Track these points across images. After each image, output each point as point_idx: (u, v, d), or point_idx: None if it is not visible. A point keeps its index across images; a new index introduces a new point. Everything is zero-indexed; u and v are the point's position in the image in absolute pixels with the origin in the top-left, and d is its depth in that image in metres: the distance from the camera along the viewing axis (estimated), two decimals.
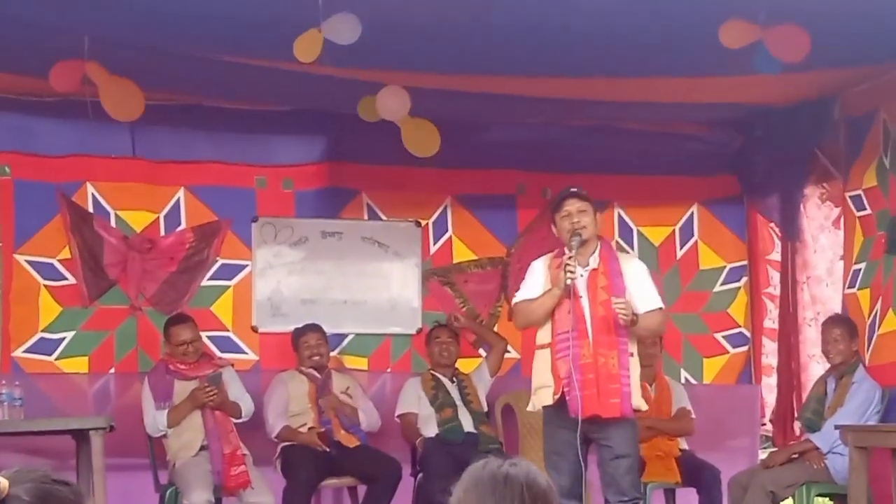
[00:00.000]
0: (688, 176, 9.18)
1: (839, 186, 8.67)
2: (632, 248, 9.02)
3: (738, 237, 9.28)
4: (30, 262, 8.07)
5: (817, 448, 7.56)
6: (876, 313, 7.98)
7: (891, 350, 7.77)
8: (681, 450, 8.10)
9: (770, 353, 9.26)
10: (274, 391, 8.01)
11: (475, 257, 8.91)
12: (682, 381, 8.85)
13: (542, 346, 6.56)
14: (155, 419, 7.63)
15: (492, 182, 8.86)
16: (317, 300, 8.62)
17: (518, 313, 6.75)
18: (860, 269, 8.23)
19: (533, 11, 6.28)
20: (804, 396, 8.45)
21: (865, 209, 8.20)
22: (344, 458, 7.77)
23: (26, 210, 8.08)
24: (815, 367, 8.81)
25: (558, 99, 7.91)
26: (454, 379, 8.25)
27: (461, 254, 8.90)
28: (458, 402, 8.13)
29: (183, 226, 8.39)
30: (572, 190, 6.63)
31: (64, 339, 8.09)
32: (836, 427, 7.30)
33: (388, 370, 8.72)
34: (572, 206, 6.52)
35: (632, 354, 6.48)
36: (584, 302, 6.42)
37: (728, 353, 9.18)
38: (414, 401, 8.17)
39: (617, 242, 8.94)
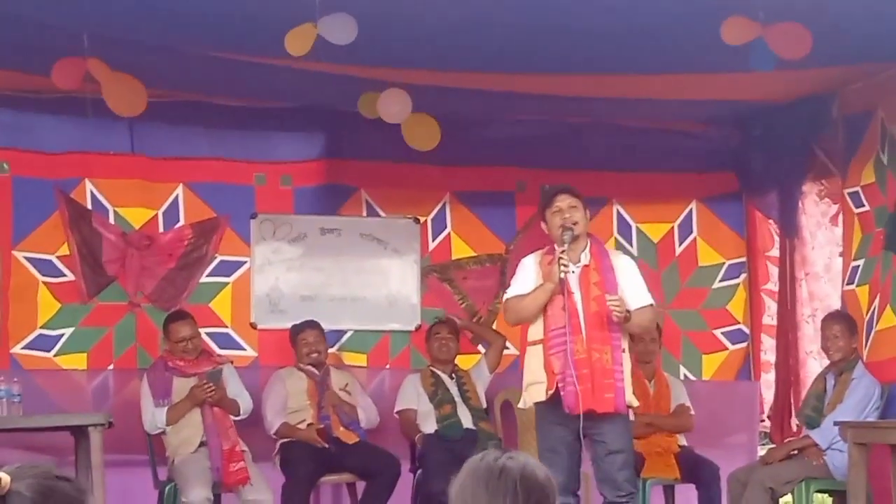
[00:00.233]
0: (687, 173, 9.19)
1: (837, 183, 8.67)
2: (630, 244, 9.02)
3: (736, 234, 9.28)
4: (28, 259, 8.07)
5: (816, 444, 7.55)
6: (874, 310, 7.98)
7: (889, 346, 7.78)
8: (680, 446, 8.09)
9: (769, 350, 9.25)
10: (272, 388, 8.00)
11: (474, 254, 8.91)
12: (681, 377, 8.84)
13: (534, 343, 6.56)
14: (154, 416, 7.62)
15: (491, 179, 8.86)
16: (315, 297, 8.62)
17: (509, 309, 6.73)
18: (859, 266, 8.23)
19: (532, 9, 6.29)
20: (802, 393, 8.46)
21: (864, 206, 8.20)
22: (343, 455, 7.77)
23: (25, 207, 8.08)
24: (812, 363, 8.81)
25: (557, 96, 7.91)
26: (453, 375, 8.25)
27: (460, 250, 8.90)
28: (458, 399, 8.13)
29: (181, 222, 8.38)
30: (563, 186, 6.65)
31: (63, 335, 8.09)
32: (836, 423, 7.30)
33: (387, 367, 8.72)
34: (563, 202, 6.53)
35: (623, 350, 6.50)
36: (577, 297, 6.43)
37: (727, 349, 9.19)
38: (413, 397, 8.17)
39: (616, 239, 8.96)
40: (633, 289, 6.56)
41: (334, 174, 8.69)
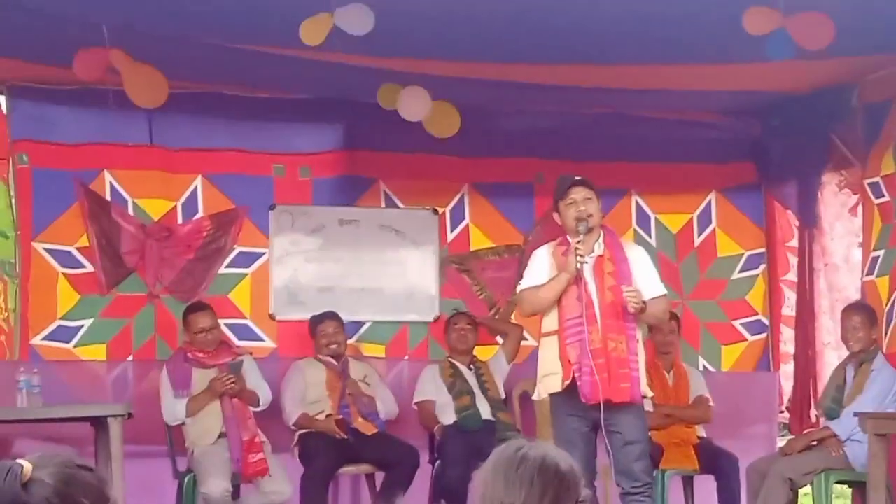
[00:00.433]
0: (705, 163, 9.16)
1: (857, 173, 8.64)
2: (650, 235, 9.01)
3: (755, 224, 9.25)
4: (48, 250, 8.08)
5: (836, 435, 7.54)
6: (894, 300, 7.97)
7: None
8: (699, 437, 8.09)
9: (788, 341, 9.23)
10: (291, 379, 8.01)
11: (492, 245, 8.90)
12: (700, 368, 8.83)
13: (549, 334, 6.58)
14: (173, 408, 7.65)
15: (509, 170, 8.84)
16: (334, 288, 8.62)
17: (524, 301, 6.75)
18: (878, 257, 8.21)
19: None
20: (821, 384, 8.44)
21: (884, 196, 8.18)
22: (361, 446, 7.77)
23: (44, 198, 8.08)
24: (830, 354, 8.79)
25: (575, 87, 7.90)
26: (472, 366, 8.25)
27: (478, 241, 8.89)
28: (476, 390, 8.14)
29: (200, 214, 8.39)
30: (577, 178, 6.66)
31: (82, 326, 8.11)
32: (855, 414, 7.28)
33: (406, 358, 8.72)
34: (578, 194, 6.55)
35: (638, 340, 6.55)
36: (592, 287, 6.46)
37: (746, 340, 9.16)
38: (431, 388, 8.17)
39: (635, 230, 8.94)
40: (646, 279, 6.60)
41: (353, 165, 8.68)
